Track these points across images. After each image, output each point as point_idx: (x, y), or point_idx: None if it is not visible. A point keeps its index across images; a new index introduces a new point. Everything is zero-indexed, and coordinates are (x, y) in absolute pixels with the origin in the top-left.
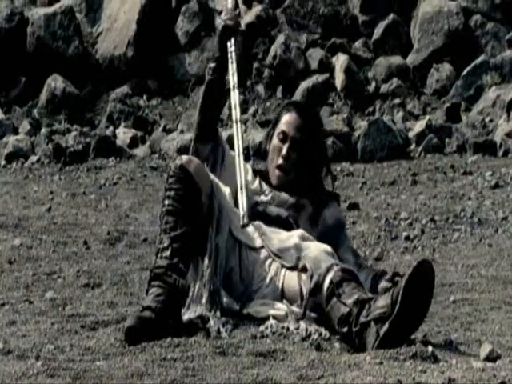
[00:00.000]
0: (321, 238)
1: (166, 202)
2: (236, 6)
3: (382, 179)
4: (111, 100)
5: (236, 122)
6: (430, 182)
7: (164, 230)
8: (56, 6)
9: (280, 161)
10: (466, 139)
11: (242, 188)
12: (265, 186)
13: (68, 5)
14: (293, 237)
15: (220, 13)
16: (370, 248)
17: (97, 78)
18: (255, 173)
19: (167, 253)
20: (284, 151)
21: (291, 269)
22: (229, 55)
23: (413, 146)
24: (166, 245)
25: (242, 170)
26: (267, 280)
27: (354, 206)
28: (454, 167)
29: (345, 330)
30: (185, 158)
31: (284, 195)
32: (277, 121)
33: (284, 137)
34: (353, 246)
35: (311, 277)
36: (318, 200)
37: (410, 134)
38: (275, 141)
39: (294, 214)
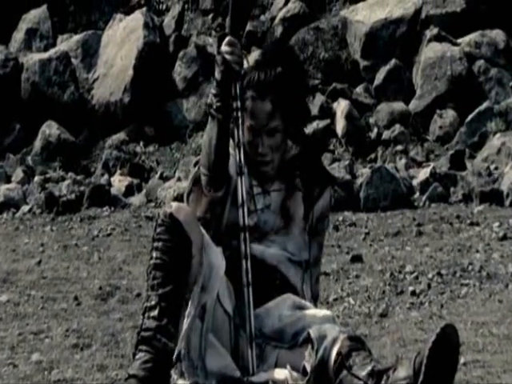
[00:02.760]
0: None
1: (154, 255)
2: (239, 41)
3: (386, 230)
4: (107, 147)
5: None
6: (436, 234)
7: (151, 286)
8: (51, 52)
9: (259, 158)
10: (472, 188)
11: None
12: (254, 182)
13: (63, 50)
14: (284, 308)
15: (218, 47)
16: (374, 303)
17: (93, 125)
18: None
19: (155, 312)
20: (260, 148)
21: (290, 348)
22: (233, 101)
23: (417, 195)
24: (153, 303)
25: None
26: (263, 364)
27: (357, 259)
28: (459, 217)
29: None
30: (174, 205)
31: (270, 219)
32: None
33: (255, 132)
34: (323, 241)
35: (316, 351)
36: (312, 191)
37: (414, 182)
38: (247, 134)
39: (283, 230)
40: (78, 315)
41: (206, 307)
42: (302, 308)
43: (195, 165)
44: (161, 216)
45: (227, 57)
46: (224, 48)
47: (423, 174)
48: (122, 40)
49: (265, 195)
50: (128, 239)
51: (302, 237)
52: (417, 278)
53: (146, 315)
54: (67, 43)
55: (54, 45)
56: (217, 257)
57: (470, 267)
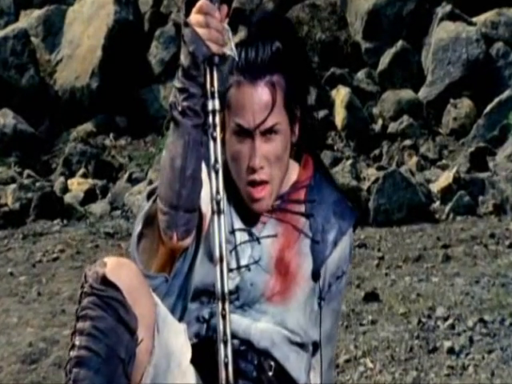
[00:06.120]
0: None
1: (77, 343)
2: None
3: (405, 253)
4: (71, 140)
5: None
6: (468, 258)
7: None
8: (8, 29)
9: (250, 176)
10: (506, 197)
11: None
12: (236, 225)
13: (22, 28)
14: None
15: (186, 15)
16: (400, 367)
17: (55, 114)
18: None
19: None
20: (253, 160)
21: None
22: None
23: (437, 204)
24: None
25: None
26: None
27: (372, 297)
28: (494, 236)
29: None
30: (110, 262)
31: (259, 280)
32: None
33: (244, 133)
34: (340, 309)
35: None
36: (325, 236)
37: (432, 188)
38: (232, 142)
39: (280, 297)
40: None
41: None
42: None
43: (149, 197)
44: (89, 280)
45: (199, 31)
46: (195, 17)
47: (445, 179)
48: (90, 16)
49: (252, 244)
50: (79, 265)
51: (308, 306)
52: (453, 326)
53: None
54: (27, 20)
55: (16, 22)
56: (178, 339)
57: None
